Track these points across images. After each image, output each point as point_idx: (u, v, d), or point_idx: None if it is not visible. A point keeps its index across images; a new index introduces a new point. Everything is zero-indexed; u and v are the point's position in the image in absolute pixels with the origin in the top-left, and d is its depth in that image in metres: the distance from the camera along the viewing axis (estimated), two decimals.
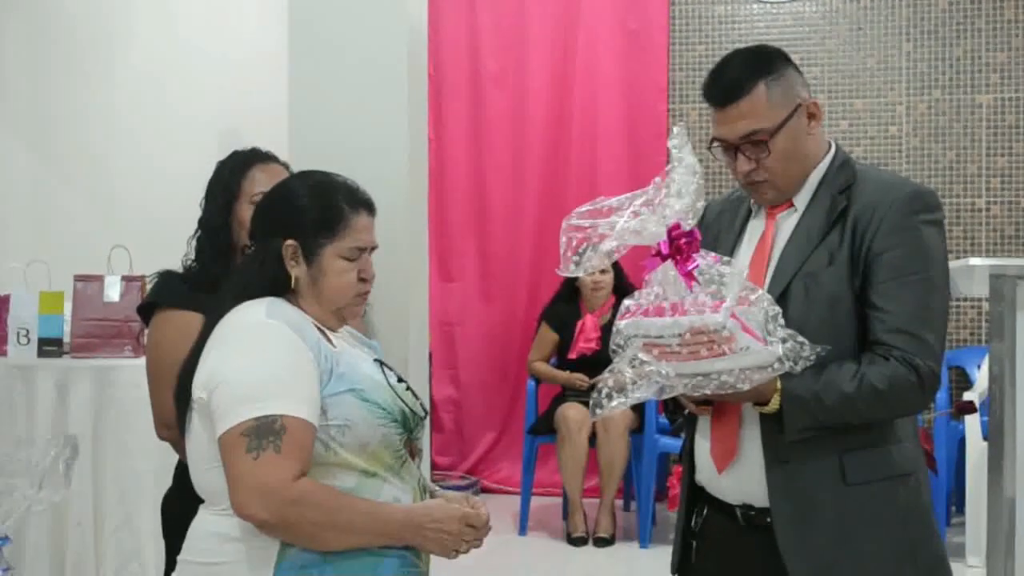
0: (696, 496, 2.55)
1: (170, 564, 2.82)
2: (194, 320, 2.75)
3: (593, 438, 6.19)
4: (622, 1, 7.25)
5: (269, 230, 2.44)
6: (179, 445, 2.76)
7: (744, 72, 2.41)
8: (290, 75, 3.92)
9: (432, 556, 2.40)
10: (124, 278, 4.45)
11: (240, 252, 2.93)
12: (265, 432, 2.18)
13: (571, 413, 6.21)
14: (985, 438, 3.31)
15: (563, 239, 2.26)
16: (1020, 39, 6.71)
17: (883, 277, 2.32)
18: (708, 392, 2.21)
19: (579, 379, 6.36)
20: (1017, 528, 3.20)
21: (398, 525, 2.28)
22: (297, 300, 2.42)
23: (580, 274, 2.26)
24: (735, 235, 2.54)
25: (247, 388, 2.22)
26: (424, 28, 4.13)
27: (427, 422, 2.54)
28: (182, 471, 2.85)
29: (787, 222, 2.46)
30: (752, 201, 2.56)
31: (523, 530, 6.38)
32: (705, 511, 2.53)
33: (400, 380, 2.47)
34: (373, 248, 2.49)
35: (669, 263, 2.21)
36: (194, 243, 3.04)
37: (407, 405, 2.39)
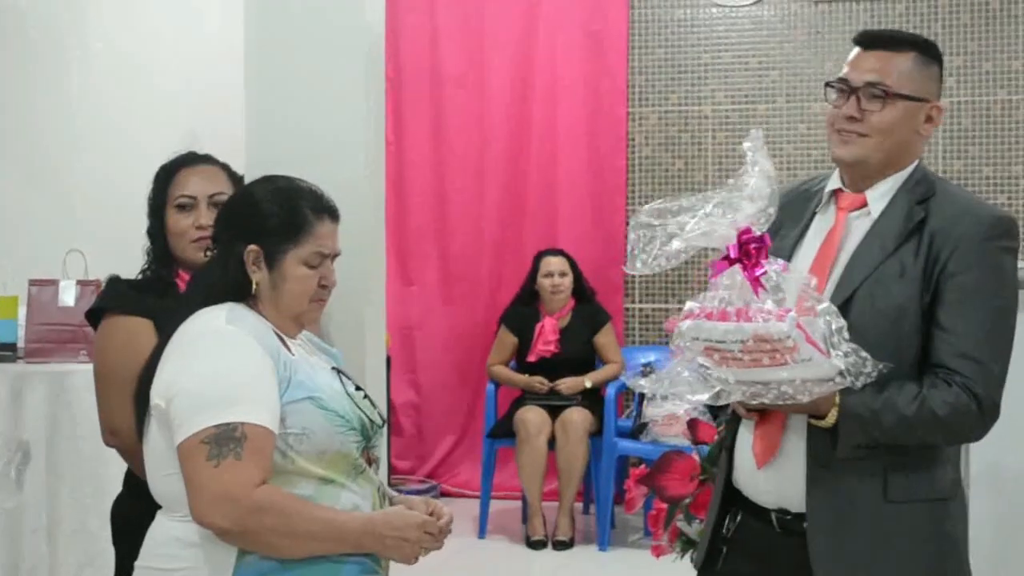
0: (730, 500, 2.51)
1: (120, 570, 2.80)
2: (142, 326, 2.74)
3: (552, 441, 6.19)
4: (582, 4, 7.24)
5: (232, 235, 2.43)
6: (126, 452, 2.75)
7: (907, 36, 2.46)
8: (247, 78, 3.90)
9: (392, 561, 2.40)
10: (79, 282, 4.41)
11: (175, 259, 2.92)
12: (226, 440, 2.17)
13: (530, 416, 6.20)
14: None
15: (631, 235, 2.25)
16: (975, 43, 6.77)
17: (954, 299, 2.27)
18: (767, 401, 2.18)
19: (538, 382, 6.36)
20: (972, 522, 3.24)
21: (358, 533, 2.28)
22: (257, 305, 2.41)
23: (646, 272, 2.24)
24: (800, 229, 2.47)
25: (207, 395, 2.22)
26: (382, 30, 4.11)
27: (384, 430, 2.54)
28: (131, 476, 2.84)
29: (858, 223, 2.42)
30: (820, 197, 2.50)
31: (482, 534, 6.36)
32: (739, 516, 2.49)
33: (358, 388, 2.47)
34: (335, 255, 2.49)
35: (736, 267, 2.17)
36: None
37: (365, 414, 2.39)
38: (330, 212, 2.47)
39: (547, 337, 6.44)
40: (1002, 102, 6.75)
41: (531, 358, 6.46)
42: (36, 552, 4.28)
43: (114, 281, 2.95)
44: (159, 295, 2.83)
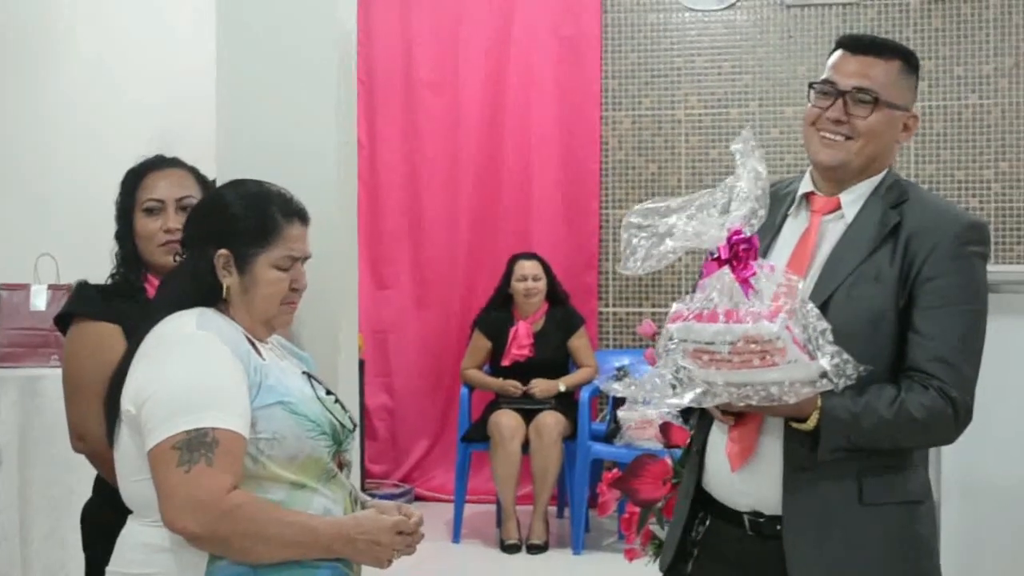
0: (699, 504, 2.51)
1: (91, 575, 2.79)
2: (110, 331, 2.73)
3: (526, 445, 6.19)
4: (555, 9, 7.25)
5: (202, 239, 2.43)
6: (95, 457, 2.74)
7: (894, 45, 2.47)
8: (218, 80, 3.89)
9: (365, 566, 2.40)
10: (51, 287, 4.40)
11: (144, 263, 2.91)
12: (197, 445, 2.17)
13: (504, 420, 6.20)
14: None
15: (624, 235, 2.25)
16: (947, 48, 6.81)
17: (930, 303, 2.30)
18: (753, 402, 2.17)
19: (512, 386, 6.36)
20: (944, 527, 3.26)
21: (329, 537, 2.28)
22: (227, 309, 2.40)
23: (640, 273, 2.24)
24: (772, 232, 2.47)
25: (177, 401, 2.21)
26: (354, 34, 4.10)
27: (356, 434, 2.54)
28: (101, 482, 2.83)
29: (832, 227, 2.43)
30: (790, 200, 2.51)
31: (457, 538, 6.35)
32: (708, 521, 2.48)
33: (329, 393, 2.47)
34: (306, 258, 2.49)
35: (726, 268, 2.17)
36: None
37: (336, 418, 2.39)
38: (300, 215, 2.48)
39: (521, 341, 6.44)
40: (973, 106, 6.79)
41: (505, 362, 6.46)
42: (8, 558, 4.25)
43: (83, 286, 2.94)
44: (128, 300, 2.82)
